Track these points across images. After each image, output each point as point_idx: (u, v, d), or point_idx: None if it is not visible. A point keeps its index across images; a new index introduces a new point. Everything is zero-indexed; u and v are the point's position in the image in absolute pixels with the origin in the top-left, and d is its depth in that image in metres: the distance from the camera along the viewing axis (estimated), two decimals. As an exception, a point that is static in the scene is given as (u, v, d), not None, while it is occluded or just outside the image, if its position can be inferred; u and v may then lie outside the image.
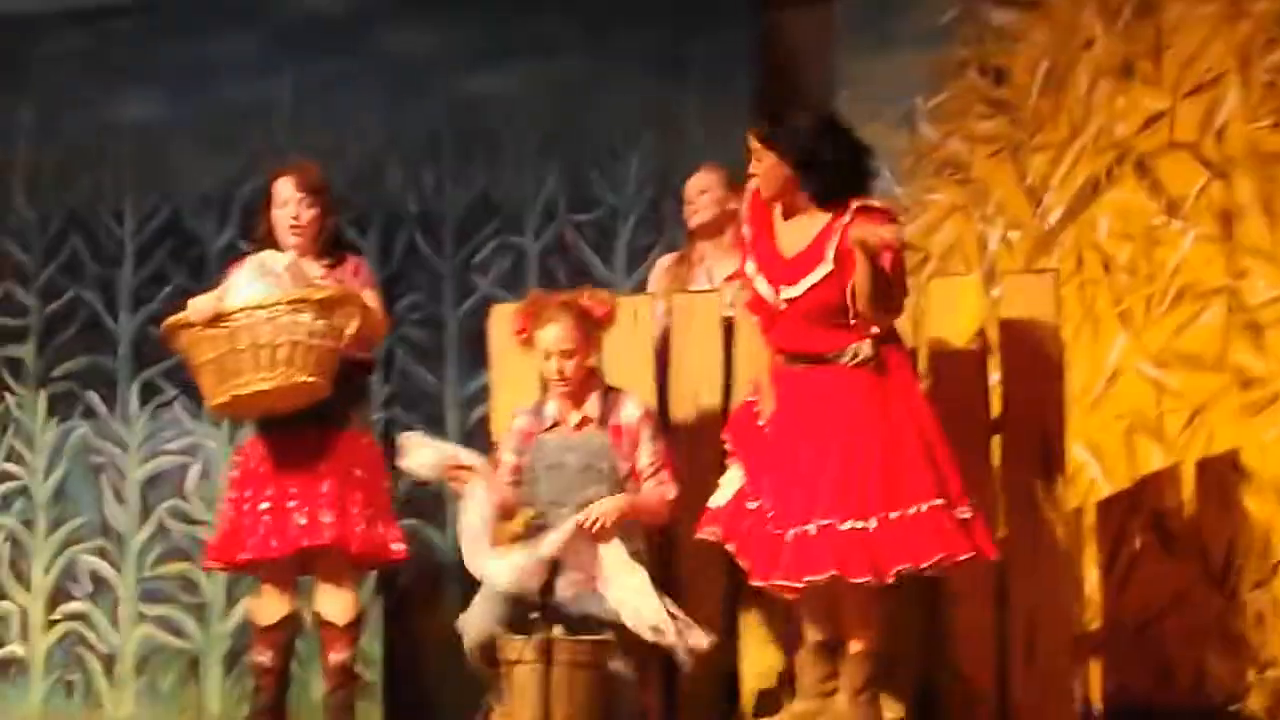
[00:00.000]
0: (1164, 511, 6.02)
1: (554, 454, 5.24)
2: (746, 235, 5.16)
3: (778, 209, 5.06)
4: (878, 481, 4.86)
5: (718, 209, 5.92)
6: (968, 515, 4.87)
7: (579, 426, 5.27)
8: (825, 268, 4.92)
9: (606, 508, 5.11)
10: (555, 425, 5.28)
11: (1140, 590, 5.99)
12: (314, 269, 5.66)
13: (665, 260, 6.14)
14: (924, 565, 4.80)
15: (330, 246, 5.70)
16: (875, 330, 4.93)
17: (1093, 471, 6.10)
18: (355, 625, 5.62)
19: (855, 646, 4.93)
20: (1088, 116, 6.33)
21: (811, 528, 4.85)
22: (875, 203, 4.99)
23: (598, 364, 5.32)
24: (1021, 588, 5.29)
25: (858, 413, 4.93)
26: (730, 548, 5.06)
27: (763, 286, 5.06)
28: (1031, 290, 5.44)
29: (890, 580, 4.81)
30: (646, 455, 5.23)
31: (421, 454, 5.17)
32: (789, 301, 5.00)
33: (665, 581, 5.47)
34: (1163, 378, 6.11)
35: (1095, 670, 5.90)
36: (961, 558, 4.83)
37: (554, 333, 5.19)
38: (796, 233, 5.03)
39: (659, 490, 5.22)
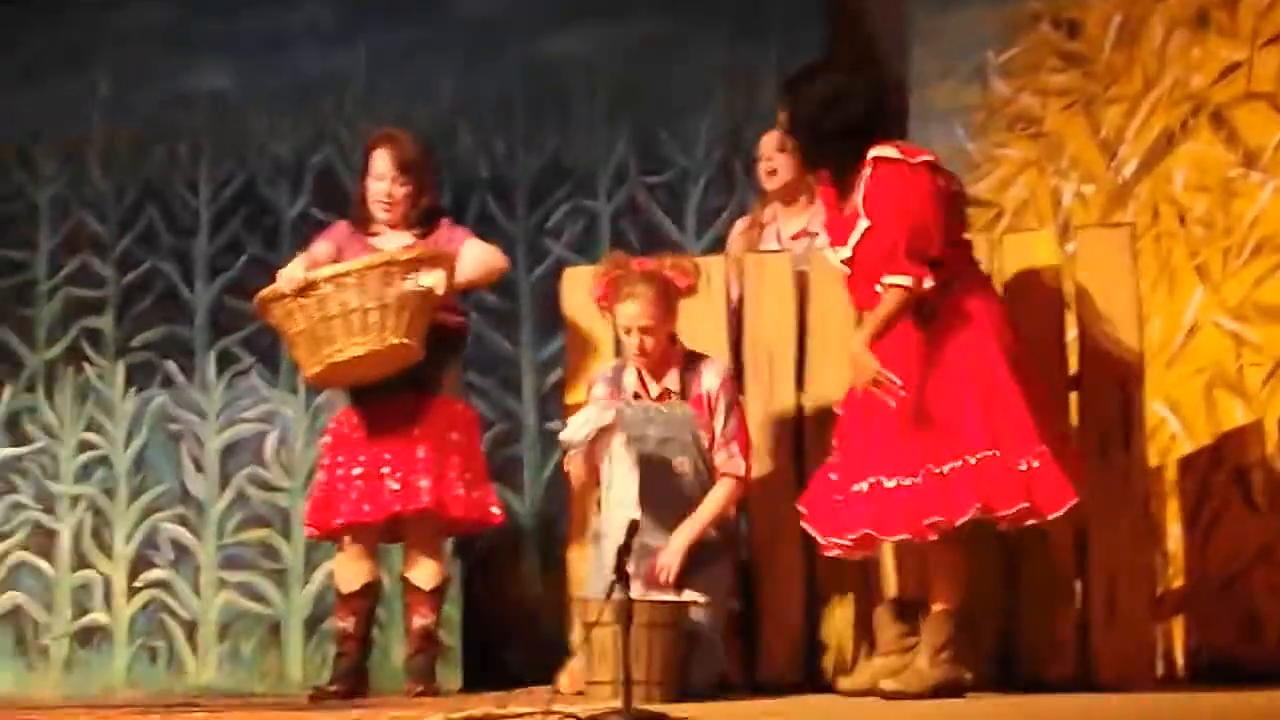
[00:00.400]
0: (1246, 466, 5.95)
1: (636, 425, 5.23)
2: (823, 211, 5.27)
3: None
4: (927, 434, 4.89)
5: (795, 170, 5.87)
6: (1030, 465, 4.85)
7: (660, 399, 5.27)
8: (864, 224, 5.00)
9: (670, 561, 5.11)
10: (635, 396, 5.28)
11: (1224, 546, 5.92)
12: (403, 239, 5.68)
13: (739, 224, 6.13)
14: (959, 520, 4.80)
15: (424, 217, 5.73)
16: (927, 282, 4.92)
17: (1172, 427, 6.03)
18: (440, 591, 5.68)
19: (938, 605, 4.93)
20: (1162, 68, 6.25)
21: (864, 485, 4.92)
22: (888, 153, 4.98)
23: (676, 332, 5.31)
24: (1101, 544, 5.27)
25: (926, 364, 4.95)
26: (803, 516, 5.12)
27: (830, 253, 5.18)
28: (1108, 244, 5.41)
29: (930, 536, 4.82)
30: (719, 425, 5.23)
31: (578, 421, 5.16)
32: (846, 263, 5.06)
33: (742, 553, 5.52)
34: (1242, 331, 6.04)
35: (1179, 627, 5.84)
36: (1003, 512, 4.82)
37: (634, 308, 5.18)
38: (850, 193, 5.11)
39: (729, 466, 5.21)
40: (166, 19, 7.20)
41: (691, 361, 5.31)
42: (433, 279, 5.46)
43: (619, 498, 5.12)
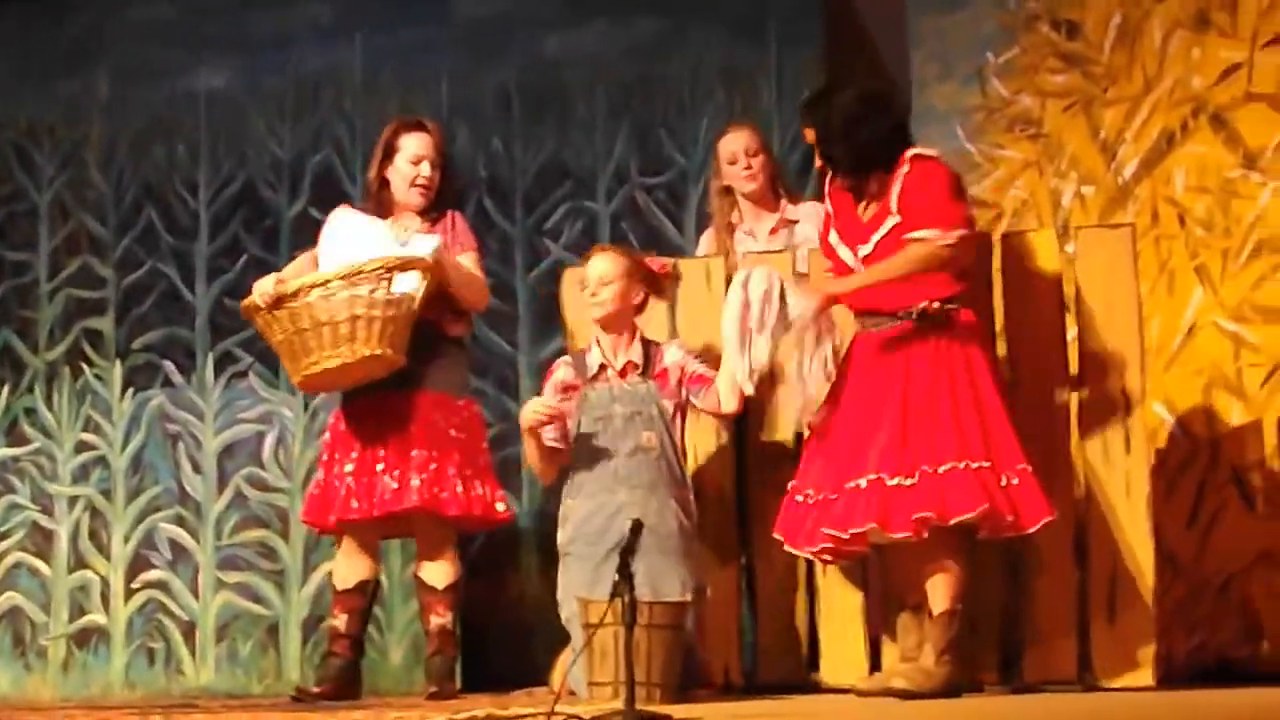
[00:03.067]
0: (1245, 468, 5.96)
1: (601, 406, 5.30)
2: (829, 208, 5.26)
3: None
4: (925, 436, 4.93)
5: (768, 171, 5.95)
6: (1009, 481, 4.91)
7: (623, 372, 5.30)
8: (892, 220, 5.04)
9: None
10: (600, 373, 5.32)
11: (1221, 548, 5.94)
12: (413, 223, 5.67)
13: (708, 232, 6.12)
14: (953, 520, 4.85)
15: (437, 208, 5.72)
16: (946, 294, 5.00)
17: (1171, 427, 6.04)
18: (455, 588, 5.64)
19: (939, 607, 4.95)
20: (1162, 69, 6.26)
21: (862, 482, 4.95)
22: (928, 151, 5.10)
23: (638, 316, 5.40)
24: (1101, 546, 5.27)
25: (916, 370, 5.01)
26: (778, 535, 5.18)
27: (844, 252, 5.20)
28: (1109, 245, 5.41)
29: (924, 533, 4.85)
30: (697, 366, 5.33)
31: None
32: (864, 260, 5.08)
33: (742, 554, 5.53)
34: (1241, 332, 6.05)
35: (1178, 628, 5.85)
36: (1003, 519, 4.89)
37: (598, 265, 5.34)
38: (875, 200, 5.15)
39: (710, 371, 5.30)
40: (166, 20, 7.20)
41: (651, 344, 5.40)
42: (409, 283, 5.44)
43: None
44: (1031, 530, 4.95)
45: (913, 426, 4.95)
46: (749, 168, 5.94)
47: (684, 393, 5.35)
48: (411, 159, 5.70)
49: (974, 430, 4.93)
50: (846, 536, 4.96)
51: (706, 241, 6.10)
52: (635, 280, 5.37)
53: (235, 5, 7.11)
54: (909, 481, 4.90)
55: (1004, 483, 4.91)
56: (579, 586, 5.18)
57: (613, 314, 5.35)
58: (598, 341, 5.40)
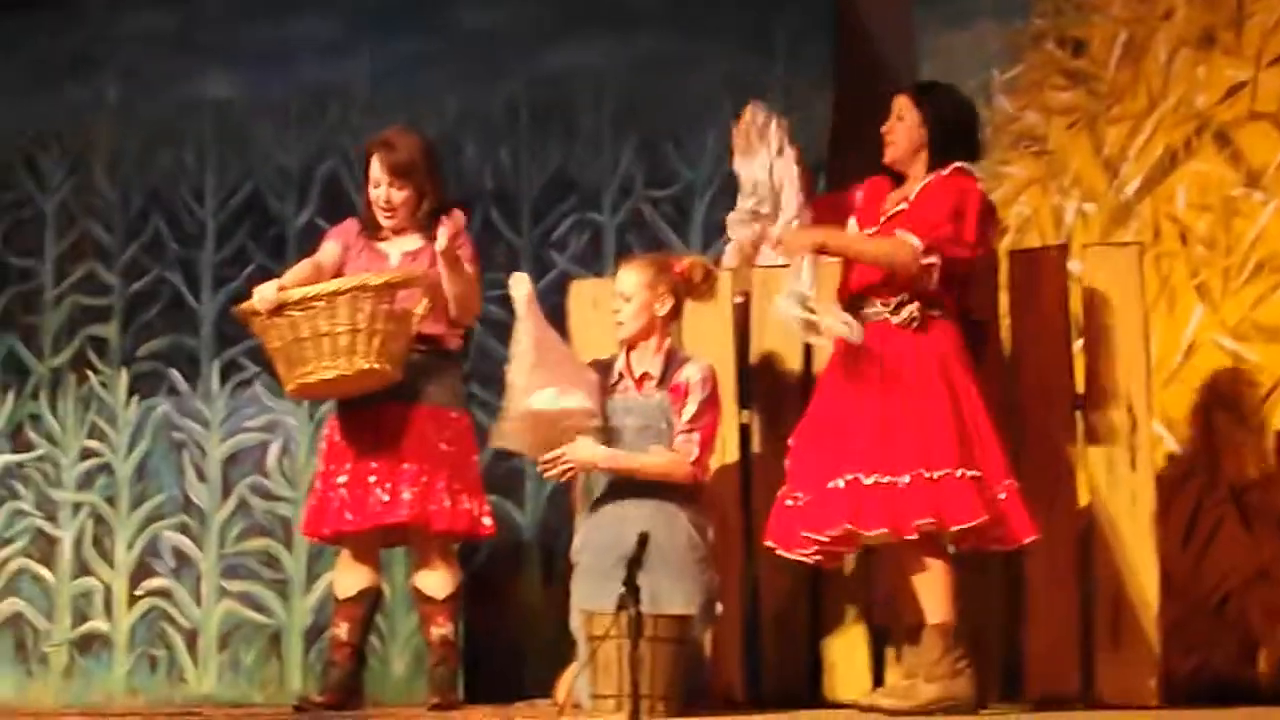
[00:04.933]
0: (1243, 486, 5.96)
1: (615, 416, 5.29)
2: (859, 199, 5.30)
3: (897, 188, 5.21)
4: (913, 439, 4.93)
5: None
6: (1003, 496, 4.92)
7: (640, 383, 5.29)
8: (901, 206, 5.10)
9: (580, 455, 5.18)
10: (618, 382, 5.31)
11: (1219, 566, 5.94)
12: (411, 243, 5.67)
13: (731, 244, 6.11)
14: (955, 527, 4.86)
15: (429, 219, 5.64)
16: (926, 290, 5.01)
17: (1169, 445, 6.04)
18: (454, 599, 5.63)
19: (928, 622, 4.96)
20: (1166, 87, 6.27)
21: (840, 482, 4.95)
22: (971, 169, 5.14)
23: (672, 330, 5.35)
24: (1106, 564, 5.28)
25: (900, 370, 5.01)
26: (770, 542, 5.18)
27: (852, 228, 5.26)
28: (1115, 263, 5.43)
29: (911, 535, 4.86)
30: (689, 413, 5.23)
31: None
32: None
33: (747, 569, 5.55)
34: (1241, 350, 6.06)
35: (1176, 647, 5.85)
36: (994, 533, 4.91)
37: (619, 280, 5.30)
38: (898, 195, 5.19)
39: (682, 445, 5.21)
40: (173, 28, 7.20)
41: (677, 355, 5.35)
42: (411, 300, 5.44)
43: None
44: (1015, 547, 4.96)
45: (898, 427, 4.94)
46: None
47: None
48: (372, 183, 5.70)
49: (966, 439, 4.93)
50: (825, 539, 4.96)
51: (730, 251, 6.10)
52: (659, 290, 5.31)
53: (242, 15, 7.11)
54: (900, 481, 4.89)
55: (998, 495, 4.91)
56: (585, 597, 5.16)
57: (635, 332, 5.32)
58: (625, 349, 5.37)
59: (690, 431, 5.22)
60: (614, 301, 5.34)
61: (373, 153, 5.70)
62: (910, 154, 5.16)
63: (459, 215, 5.55)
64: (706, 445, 5.25)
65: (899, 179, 5.22)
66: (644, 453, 5.21)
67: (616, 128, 6.81)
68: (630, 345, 5.33)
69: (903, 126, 5.18)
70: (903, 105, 5.20)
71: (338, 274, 5.61)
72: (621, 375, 5.34)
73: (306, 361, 5.40)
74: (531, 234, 6.84)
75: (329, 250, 5.73)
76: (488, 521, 5.64)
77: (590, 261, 6.70)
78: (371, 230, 5.72)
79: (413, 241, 5.67)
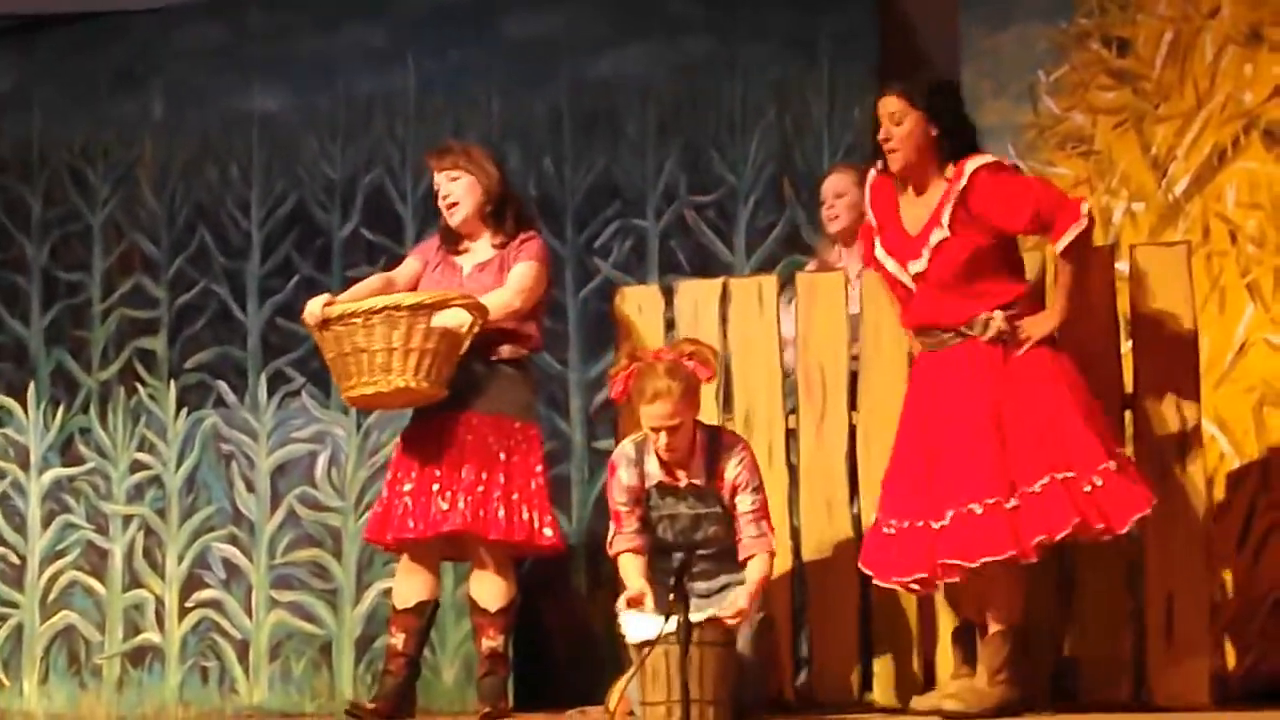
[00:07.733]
0: (1298, 485, 5.93)
1: (667, 506, 5.23)
2: (871, 220, 5.20)
3: (905, 191, 5.11)
4: (1016, 455, 4.88)
5: (855, 212, 5.80)
6: (1098, 484, 4.84)
7: (686, 490, 5.24)
8: (941, 234, 5.00)
9: (741, 604, 5.03)
10: (660, 485, 5.24)
11: (1274, 565, 5.89)
12: (484, 252, 5.71)
13: (809, 268, 6.09)
14: (1059, 535, 4.81)
15: (500, 221, 5.71)
16: (1006, 300, 4.98)
17: (1221, 446, 6.01)
18: (507, 611, 5.62)
19: (994, 626, 4.93)
20: (1213, 85, 6.24)
21: (976, 508, 4.86)
22: (989, 159, 5.05)
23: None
24: (1159, 565, 5.25)
25: (983, 391, 4.95)
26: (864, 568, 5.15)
27: (892, 265, 5.15)
28: (1164, 262, 5.39)
29: (1031, 557, 4.83)
30: (744, 503, 5.18)
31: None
32: (917, 277, 5.03)
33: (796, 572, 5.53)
34: (1293, 350, 6.03)
35: (1230, 647, 5.81)
36: (1095, 528, 4.84)
37: (663, 409, 5.07)
38: (919, 208, 5.11)
39: (760, 544, 5.14)
40: (219, 41, 7.26)
41: (712, 445, 5.22)
42: (451, 319, 5.46)
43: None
44: (1123, 531, 4.87)
45: (1007, 446, 4.89)
46: (832, 207, 5.97)
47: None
48: (438, 192, 5.77)
49: (1056, 440, 4.87)
50: (977, 566, 4.84)
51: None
52: (691, 401, 5.14)
53: (287, 27, 7.16)
54: (1002, 501, 4.85)
55: (1088, 489, 4.84)
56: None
57: (685, 452, 5.18)
58: (659, 457, 5.21)
59: (758, 520, 5.16)
60: (661, 431, 5.08)
61: (429, 160, 5.80)
62: (919, 158, 5.05)
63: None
64: (771, 525, 5.21)
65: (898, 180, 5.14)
66: (752, 570, 5.13)
67: (660, 134, 6.81)
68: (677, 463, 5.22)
69: (903, 131, 5.03)
70: (897, 108, 5.05)
71: (412, 288, 5.68)
72: (663, 483, 5.22)
73: (350, 375, 5.45)
74: (575, 241, 6.85)
75: (407, 265, 5.83)
76: (549, 533, 5.61)
77: (634, 268, 6.71)
78: (450, 243, 5.77)
79: (485, 251, 5.72)
